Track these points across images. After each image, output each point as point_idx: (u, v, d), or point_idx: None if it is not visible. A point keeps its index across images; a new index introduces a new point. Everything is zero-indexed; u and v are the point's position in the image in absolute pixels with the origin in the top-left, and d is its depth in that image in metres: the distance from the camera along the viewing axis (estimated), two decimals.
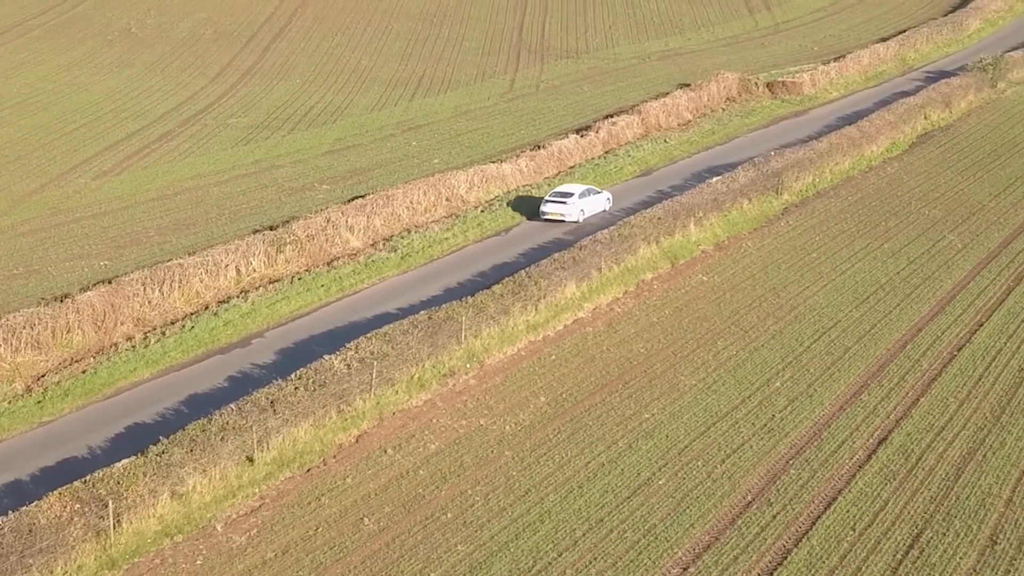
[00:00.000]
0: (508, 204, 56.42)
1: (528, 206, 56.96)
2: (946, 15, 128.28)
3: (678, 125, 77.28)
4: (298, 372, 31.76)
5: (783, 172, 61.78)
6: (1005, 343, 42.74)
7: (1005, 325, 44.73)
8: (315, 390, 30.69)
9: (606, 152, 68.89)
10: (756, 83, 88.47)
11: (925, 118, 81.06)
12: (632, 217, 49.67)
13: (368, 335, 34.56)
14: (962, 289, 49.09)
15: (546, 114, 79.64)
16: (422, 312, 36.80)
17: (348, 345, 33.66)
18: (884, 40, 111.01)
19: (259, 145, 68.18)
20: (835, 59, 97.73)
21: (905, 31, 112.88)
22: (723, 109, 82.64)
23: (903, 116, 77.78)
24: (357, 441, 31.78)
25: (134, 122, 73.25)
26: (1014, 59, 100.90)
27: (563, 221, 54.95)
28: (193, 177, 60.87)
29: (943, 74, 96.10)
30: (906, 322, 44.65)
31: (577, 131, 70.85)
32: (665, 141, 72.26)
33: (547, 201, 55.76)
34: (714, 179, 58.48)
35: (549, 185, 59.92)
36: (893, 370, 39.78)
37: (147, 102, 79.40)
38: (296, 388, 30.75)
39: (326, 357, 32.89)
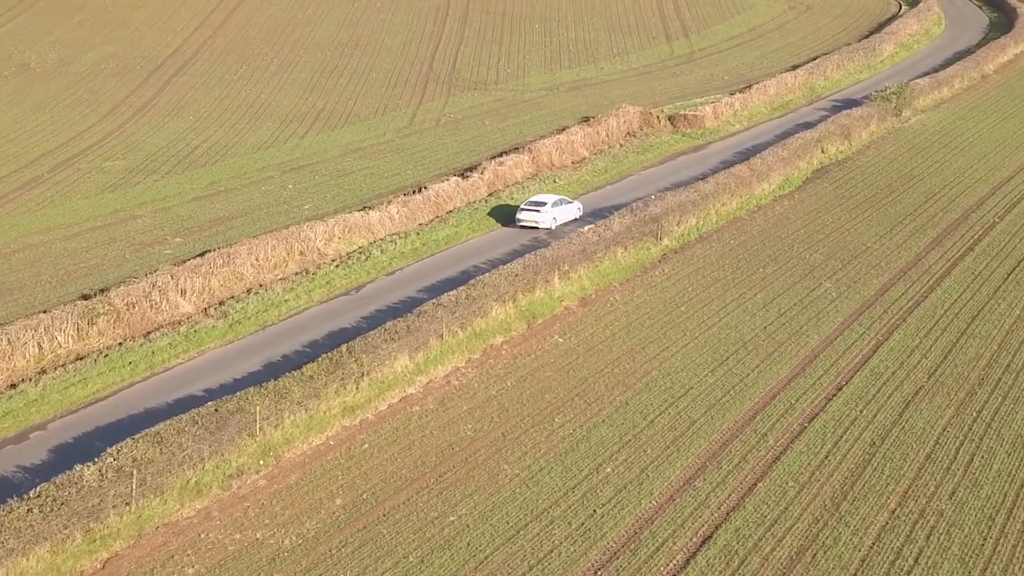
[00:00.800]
0: (366, 256, 52.23)
1: (394, 256, 53.02)
2: (861, 40, 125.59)
3: (572, 163, 73.59)
4: (39, 488, 27.39)
5: (663, 217, 58.08)
6: (862, 410, 39.26)
7: (865, 388, 41.26)
8: (54, 510, 26.39)
9: (490, 194, 65.06)
10: (658, 117, 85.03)
11: (822, 152, 77.91)
12: (486, 274, 45.70)
13: (136, 437, 30.27)
14: (829, 345, 45.65)
15: (440, 151, 75.73)
16: (208, 404, 32.48)
17: (109, 451, 29.33)
18: (795, 68, 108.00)
19: (125, 192, 63.68)
20: (740, 90, 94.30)
21: (816, 59, 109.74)
22: (620, 145, 79.08)
23: (797, 151, 74.51)
24: (104, 567, 27.47)
25: (3, 167, 68.43)
26: (920, 86, 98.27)
27: (537, 228, 59.30)
28: (41, 231, 56.29)
29: (850, 102, 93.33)
30: (762, 387, 41.06)
31: (463, 172, 66.83)
32: (555, 181, 68.55)
33: (522, 209, 59.96)
34: (585, 228, 54.62)
35: (419, 234, 56.03)
36: (736, 448, 36.09)
37: (26, 144, 74.65)
38: (30, 509, 26.42)
39: (77, 468, 28.54)
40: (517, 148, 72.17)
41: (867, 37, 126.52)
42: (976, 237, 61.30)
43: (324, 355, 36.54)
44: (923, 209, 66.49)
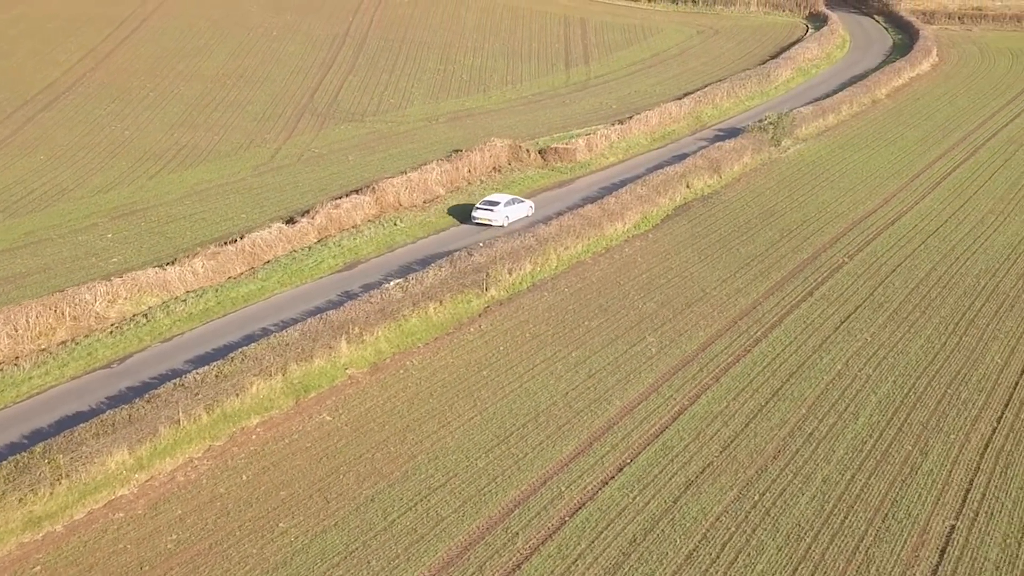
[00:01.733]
0: (147, 319, 46.76)
1: (179, 319, 47.67)
2: (762, 65, 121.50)
3: (423, 202, 68.54)
4: None
5: (490, 265, 53.02)
6: (635, 497, 34.77)
7: (649, 467, 36.67)
8: None
9: (320, 239, 59.78)
10: (528, 150, 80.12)
11: (687, 187, 73.33)
12: (250, 346, 40.35)
13: None
14: (628, 413, 40.97)
15: (288, 191, 70.49)
16: None
17: None
18: (687, 95, 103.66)
19: None
20: (621, 121, 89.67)
21: (708, 86, 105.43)
22: (481, 181, 74.19)
23: (658, 187, 69.89)
24: None
25: None
26: (803, 114, 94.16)
27: (491, 225, 63.87)
28: None
29: (735, 132, 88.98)
30: (536, 471, 36.22)
31: (293, 217, 61.61)
32: (395, 224, 63.52)
33: (477, 208, 65.00)
34: (391, 283, 49.50)
35: (217, 292, 50.67)
36: (478, 554, 31.10)
37: None
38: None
39: None
40: (361, 189, 66.65)
41: (768, 61, 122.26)
42: (820, 280, 56.93)
43: (11, 457, 31.04)
44: (775, 249, 62.06)
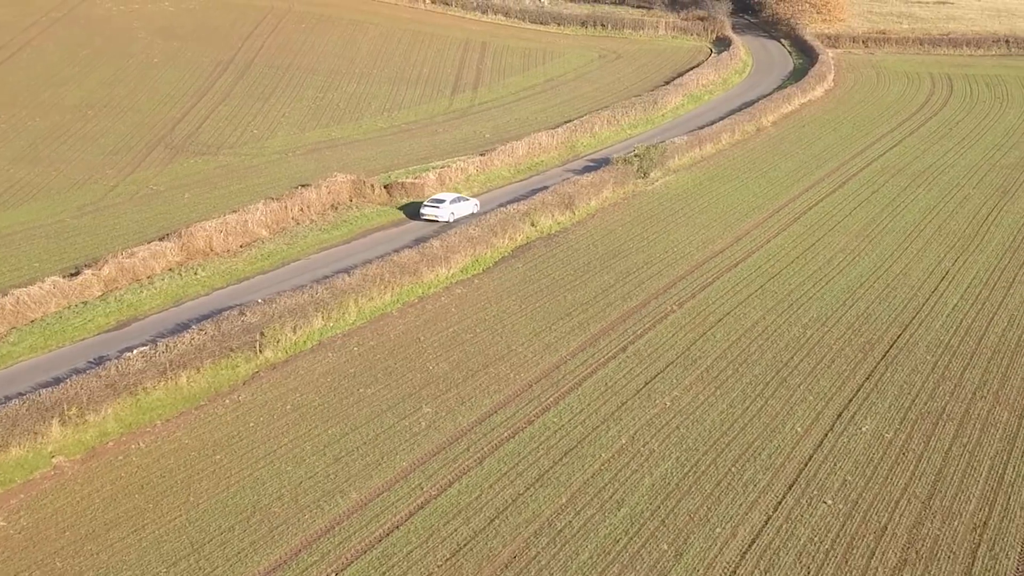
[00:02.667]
0: None
1: None
2: (652, 91, 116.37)
3: (240, 246, 62.50)
4: None
5: (267, 323, 46.91)
6: None
7: None
8: None
9: (105, 293, 53.40)
10: (372, 186, 74.17)
11: (533, 225, 67.58)
12: None
13: None
14: (358, 510, 34.91)
15: (100, 236, 64.59)
16: None
17: None
18: (570, 121, 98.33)
19: None
20: (483, 152, 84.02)
21: (590, 113, 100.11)
22: (312, 220, 68.21)
23: (495, 228, 64.23)
24: None
25: None
26: (676, 145, 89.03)
27: (437, 220, 68.44)
28: None
29: (607, 162, 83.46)
30: None
31: (75, 270, 55.23)
32: (195, 273, 57.28)
33: (425, 205, 69.82)
34: (133, 351, 43.25)
35: None
36: None
37: None
38: None
39: None
40: (169, 234, 60.35)
41: (659, 88, 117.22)
42: (641, 331, 51.59)
43: None
44: (605, 295, 56.59)
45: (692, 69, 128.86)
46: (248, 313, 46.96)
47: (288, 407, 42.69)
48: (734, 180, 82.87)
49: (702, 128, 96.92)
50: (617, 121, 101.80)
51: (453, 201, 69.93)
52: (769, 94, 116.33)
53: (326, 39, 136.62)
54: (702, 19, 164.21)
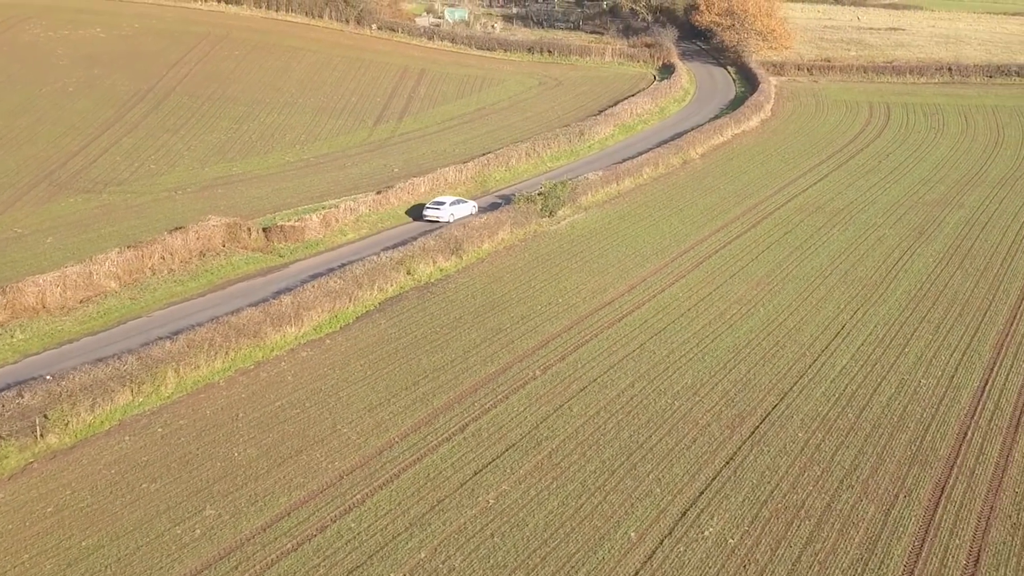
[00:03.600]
0: None
1: None
2: (582, 120, 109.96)
3: (80, 301, 55.33)
4: None
5: (52, 405, 40.01)
6: None
7: None
8: None
9: None
10: (249, 229, 67.38)
11: (409, 273, 60.85)
12: None
13: None
14: None
15: None
16: None
17: None
18: (488, 153, 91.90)
19: None
20: (380, 190, 77.45)
21: (509, 145, 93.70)
22: (172, 270, 61.48)
23: (361, 279, 57.53)
24: None
25: None
26: (589, 181, 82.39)
27: (438, 221, 71.37)
28: None
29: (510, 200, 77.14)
30: None
31: None
32: (12, 335, 50.60)
33: (427, 207, 73.07)
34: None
35: None
36: None
37: None
38: None
39: None
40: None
41: (590, 117, 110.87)
42: (490, 404, 45.25)
43: None
44: (467, 357, 50.14)
45: (629, 97, 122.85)
46: (27, 394, 39.97)
47: (49, 509, 35.88)
48: (646, 218, 76.45)
49: (622, 162, 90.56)
50: (537, 153, 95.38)
51: (453, 203, 73.67)
52: (703, 124, 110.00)
53: (258, 66, 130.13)
54: (649, 46, 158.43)
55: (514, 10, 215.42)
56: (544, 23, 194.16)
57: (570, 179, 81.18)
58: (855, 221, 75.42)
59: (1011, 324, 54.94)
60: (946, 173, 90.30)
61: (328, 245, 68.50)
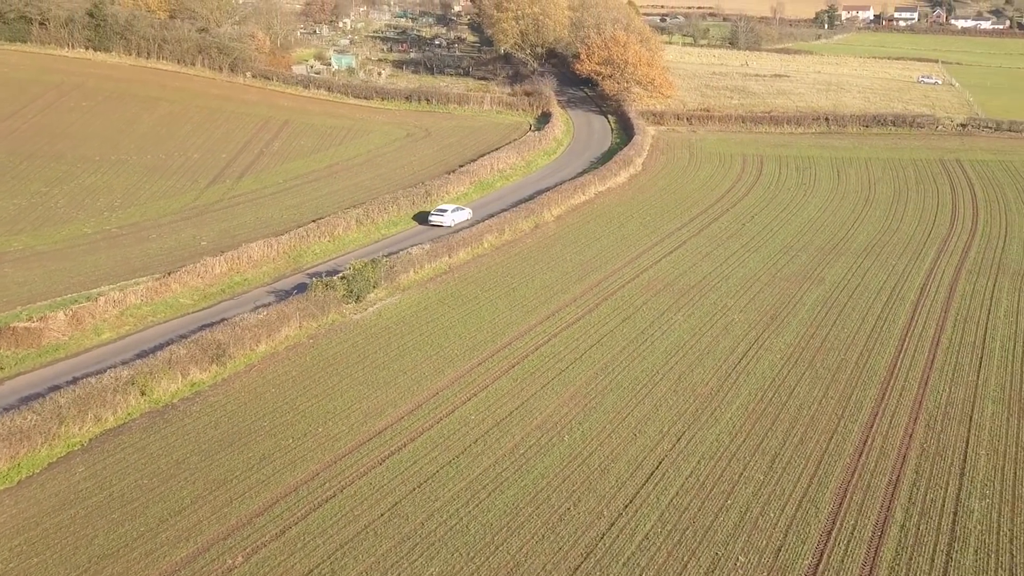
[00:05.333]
0: None
1: None
2: (436, 178, 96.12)
3: None
4: None
5: None
6: None
7: None
8: None
9: None
10: None
11: (143, 393, 45.94)
12: None
13: None
14: None
15: None
16: None
17: None
18: (318, 219, 77.62)
19: None
20: (161, 276, 62.47)
21: (362, 205, 79.63)
22: None
23: (64, 409, 42.31)
24: None
25: None
26: (412, 256, 68.23)
27: (442, 226, 79.19)
28: None
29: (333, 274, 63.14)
30: None
31: None
32: None
33: (432, 214, 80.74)
34: None
35: None
36: None
37: None
38: None
39: None
40: None
41: (444, 175, 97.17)
42: None
43: None
44: (154, 534, 35.90)
45: (494, 151, 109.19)
46: None
47: None
48: (471, 302, 62.62)
49: (459, 231, 76.48)
50: (371, 220, 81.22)
51: (454, 211, 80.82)
52: (567, 181, 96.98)
53: (103, 119, 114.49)
54: (528, 94, 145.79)
55: (411, 54, 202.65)
56: (435, 69, 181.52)
57: (386, 256, 67.08)
58: (704, 302, 62.35)
59: (859, 457, 41.79)
60: (811, 238, 78.01)
61: (72, 350, 53.45)
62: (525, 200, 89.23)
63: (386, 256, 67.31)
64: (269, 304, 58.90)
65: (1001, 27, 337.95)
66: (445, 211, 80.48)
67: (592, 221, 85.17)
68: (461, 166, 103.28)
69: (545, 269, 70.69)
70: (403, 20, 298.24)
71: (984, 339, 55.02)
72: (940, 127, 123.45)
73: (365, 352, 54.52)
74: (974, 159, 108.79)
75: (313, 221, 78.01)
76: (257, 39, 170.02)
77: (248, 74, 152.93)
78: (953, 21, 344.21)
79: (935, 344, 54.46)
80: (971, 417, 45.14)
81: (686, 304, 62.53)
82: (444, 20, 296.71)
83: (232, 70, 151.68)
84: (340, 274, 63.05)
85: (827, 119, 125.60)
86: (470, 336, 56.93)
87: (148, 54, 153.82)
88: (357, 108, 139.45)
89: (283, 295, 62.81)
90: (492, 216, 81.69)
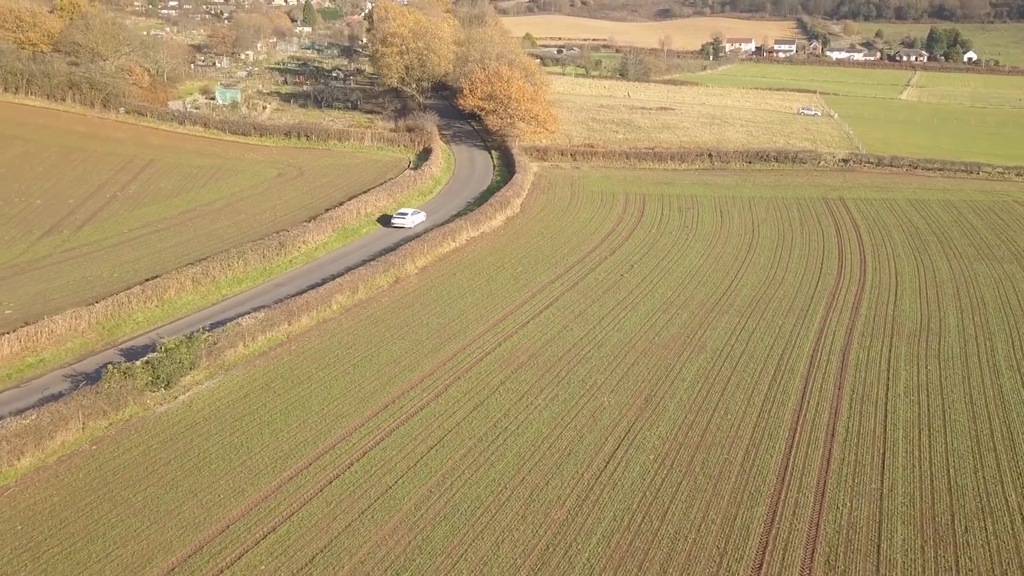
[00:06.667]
0: None
1: None
2: (297, 225, 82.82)
3: None
4: None
5: None
6: None
7: None
8: None
9: None
10: None
11: None
12: None
13: None
14: None
15: None
16: None
17: None
18: (152, 279, 63.78)
19: None
20: None
21: (203, 259, 65.88)
22: None
23: None
24: None
25: None
26: (241, 327, 55.18)
27: (403, 228, 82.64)
28: None
29: (149, 349, 49.37)
30: None
31: None
32: None
33: (395, 217, 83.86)
34: None
35: None
36: None
37: None
38: None
39: None
40: None
41: (309, 221, 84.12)
42: None
43: None
44: None
45: (366, 192, 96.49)
46: None
47: None
48: (302, 384, 49.86)
49: (302, 293, 63.51)
50: (212, 278, 67.72)
51: (413, 214, 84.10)
52: (438, 226, 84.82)
53: None
54: (411, 129, 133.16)
55: (305, 87, 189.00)
56: (323, 102, 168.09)
57: (208, 330, 53.69)
58: (571, 380, 50.65)
59: None
60: (692, 292, 67.15)
61: None
62: (389, 250, 76.84)
63: (207, 331, 53.93)
64: (56, 396, 45.16)
65: (872, 58, 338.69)
66: (406, 214, 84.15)
67: (460, 273, 73.07)
68: (328, 209, 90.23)
69: (397, 337, 58.28)
70: (309, 52, 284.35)
71: (885, 427, 44.38)
72: (822, 162, 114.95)
73: (155, 463, 41.34)
74: (857, 197, 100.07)
75: (140, 283, 64.16)
76: (135, 73, 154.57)
77: (122, 110, 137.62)
78: (828, 53, 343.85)
79: (830, 435, 43.56)
80: (879, 547, 34.03)
81: (551, 382, 50.71)
82: (348, 52, 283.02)
83: (105, 106, 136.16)
84: (145, 358, 49.47)
85: (710, 155, 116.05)
86: (290, 436, 44.15)
87: (16, 89, 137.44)
88: (232, 145, 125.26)
89: (82, 380, 49.11)
90: (351, 270, 69.06)
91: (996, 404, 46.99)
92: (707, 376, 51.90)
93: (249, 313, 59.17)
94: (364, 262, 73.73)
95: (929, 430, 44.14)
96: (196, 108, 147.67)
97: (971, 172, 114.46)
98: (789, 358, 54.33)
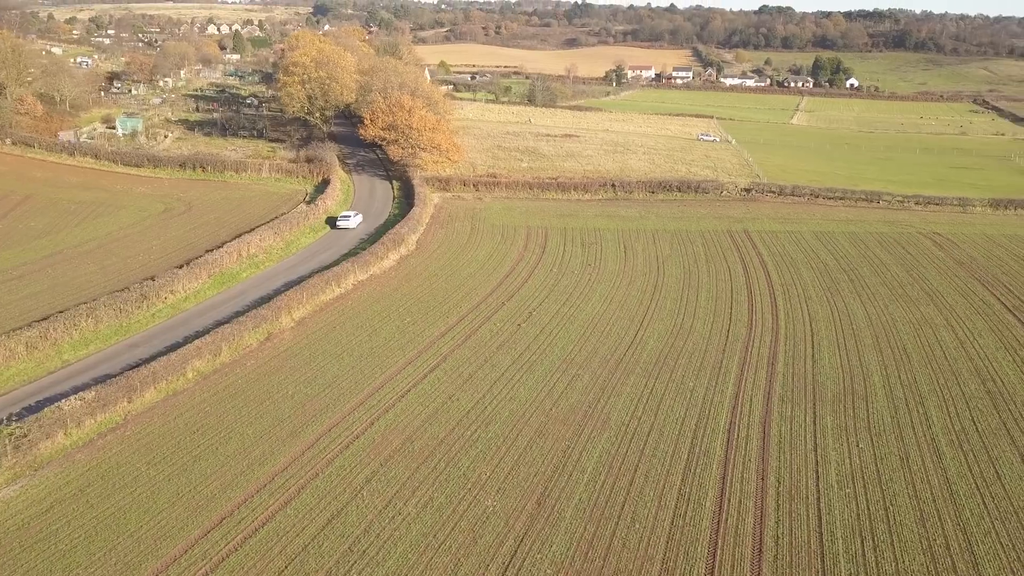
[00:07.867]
0: None
1: None
2: (171, 270, 69.28)
3: None
4: None
5: None
6: None
7: None
8: None
9: None
10: None
11: None
12: None
13: None
14: None
15: None
16: None
17: None
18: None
19: None
20: None
21: (47, 317, 52.23)
22: None
23: None
24: None
25: None
26: (64, 411, 42.70)
27: (348, 228, 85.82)
28: None
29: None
30: None
31: None
32: None
33: (339, 220, 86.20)
34: None
35: None
36: None
37: None
38: None
39: None
40: None
41: (185, 265, 70.57)
42: None
43: None
44: None
45: (251, 231, 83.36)
46: None
47: None
48: (123, 489, 37.41)
49: (153, 360, 50.38)
50: (53, 342, 54.51)
51: (355, 216, 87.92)
52: (322, 270, 72.21)
53: None
54: (310, 160, 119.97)
55: (215, 115, 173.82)
56: (228, 130, 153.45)
57: (18, 419, 40.37)
58: (450, 475, 39.07)
59: None
60: (594, 346, 56.26)
61: None
62: (268, 298, 64.16)
63: (16, 420, 40.62)
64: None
65: (763, 84, 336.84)
66: (349, 216, 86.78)
67: (340, 326, 60.84)
68: (209, 250, 76.95)
69: (255, 415, 45.83)
70: (231, 79, 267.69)
71: (821, 536, 33.76)
72: (724, 192, 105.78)
73: None
74: (762, 229, 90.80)
75: (17, 329, 50.35)
76: (26, 102, 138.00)
77: (8, 141, 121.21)
78: (723, 79, 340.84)
79: (758, 550, 32.69)
80: None
81: (426, 479, 38.88)
82: (269, 79, 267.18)
83: None
84: None
85: (614, 185, 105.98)
86: (89, 572, 31.18)
87: None
88: (122, 178, 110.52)
89: None
90: (220, 324, 56.23)
91: (945, 498, 36.96)
92: (611, 464, 40.77)
93: (76, 393, 45.95)
94: (236, 314, 61.06)
95: (873, 540, 33.71)
96: (91, 139, 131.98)
97: (872, 201, 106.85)
98: (704, 436, 43.58)
